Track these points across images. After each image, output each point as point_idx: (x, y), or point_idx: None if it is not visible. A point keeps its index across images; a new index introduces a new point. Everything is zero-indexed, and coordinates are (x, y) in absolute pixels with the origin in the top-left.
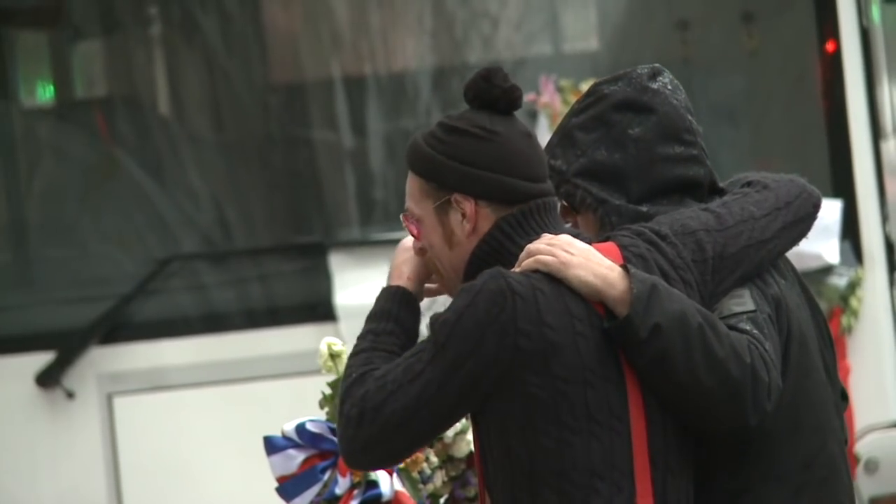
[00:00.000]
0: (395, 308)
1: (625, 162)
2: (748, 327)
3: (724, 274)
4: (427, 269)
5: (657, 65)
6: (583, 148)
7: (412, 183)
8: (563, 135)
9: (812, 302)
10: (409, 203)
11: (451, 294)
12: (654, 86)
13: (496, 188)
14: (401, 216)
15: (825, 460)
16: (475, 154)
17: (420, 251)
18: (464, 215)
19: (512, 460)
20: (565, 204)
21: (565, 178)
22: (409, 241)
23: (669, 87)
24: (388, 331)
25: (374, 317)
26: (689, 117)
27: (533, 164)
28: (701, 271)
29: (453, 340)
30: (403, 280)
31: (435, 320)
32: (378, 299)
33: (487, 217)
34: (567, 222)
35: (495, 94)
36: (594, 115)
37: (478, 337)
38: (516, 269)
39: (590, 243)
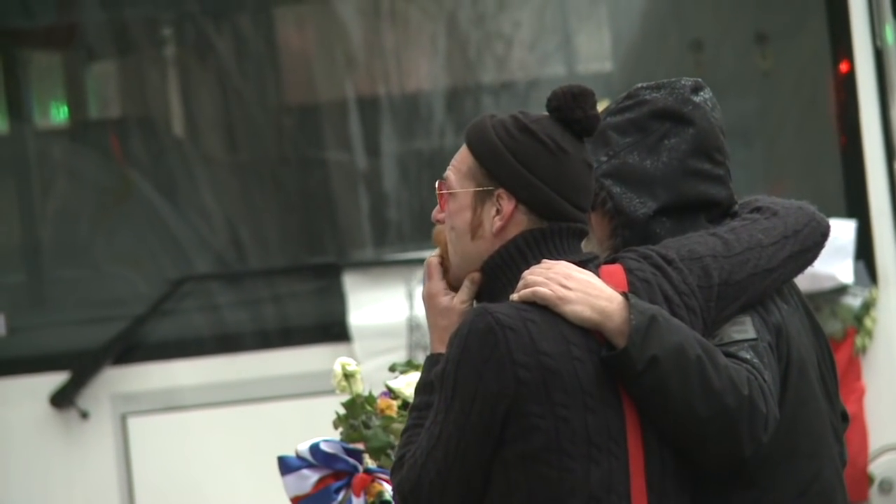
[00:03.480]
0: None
1: (654, 169)
2: (748, 356)
3: (728, 300)
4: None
5: (699, 79)
6: (615, 149)
7: (464, 158)
8: (597, 132)
9: (816, 326)
10: (452, 174)
11: (453, 276)
12: (696, 99)
13: (542, 201)
14: (437, 182)
15: (820, 489)
16: (537, 161)
17: (438, 221)
18: (498, 212)
19: (511, 490)
20: None
21: None
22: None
23: (709, 103)
24: (430, 403)
25: (419, 389)
26: (722, 137)
27: (583, 193)
28: (706, 297)
29: (457, 390)
30: (445, 344)
31: (437, 375)
32: (423, 368)
33: (519, 224)
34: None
35: (577, 115)
36: (632, 119)
37: (477, 378)
38: (514, 297)
39: (598, 267)
